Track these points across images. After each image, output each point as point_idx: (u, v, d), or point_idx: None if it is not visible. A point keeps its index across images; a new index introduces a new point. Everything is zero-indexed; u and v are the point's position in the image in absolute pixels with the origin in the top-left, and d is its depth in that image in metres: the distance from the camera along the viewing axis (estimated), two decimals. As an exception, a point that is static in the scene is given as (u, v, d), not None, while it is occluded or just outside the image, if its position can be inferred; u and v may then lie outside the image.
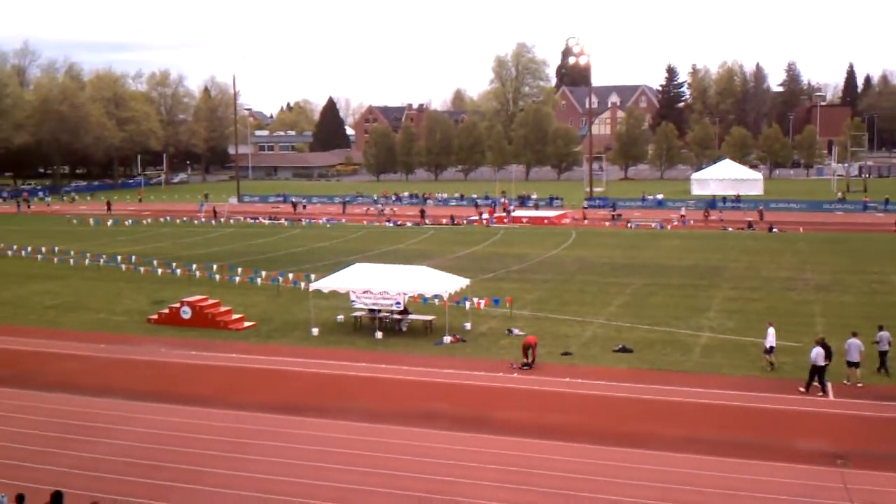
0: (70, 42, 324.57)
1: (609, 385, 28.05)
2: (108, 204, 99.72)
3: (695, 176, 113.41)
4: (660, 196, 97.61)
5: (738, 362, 30.35)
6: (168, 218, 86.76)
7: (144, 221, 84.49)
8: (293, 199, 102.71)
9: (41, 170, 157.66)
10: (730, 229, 71.68)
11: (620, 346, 32.68)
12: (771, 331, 29.39)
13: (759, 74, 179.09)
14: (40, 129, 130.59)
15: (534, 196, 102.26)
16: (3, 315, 40.49)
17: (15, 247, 61.13)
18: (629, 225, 77.27)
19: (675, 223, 77.15)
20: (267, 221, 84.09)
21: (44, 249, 59.61)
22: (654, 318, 37.47)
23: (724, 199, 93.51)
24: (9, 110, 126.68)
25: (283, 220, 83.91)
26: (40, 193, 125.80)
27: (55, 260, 56.93)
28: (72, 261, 55.82)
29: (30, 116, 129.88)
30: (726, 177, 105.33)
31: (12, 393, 27.81)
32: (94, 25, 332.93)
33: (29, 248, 59.99)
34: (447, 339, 33.92)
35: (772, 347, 29.25)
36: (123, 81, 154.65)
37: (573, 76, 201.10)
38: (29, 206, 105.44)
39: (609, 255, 58.24)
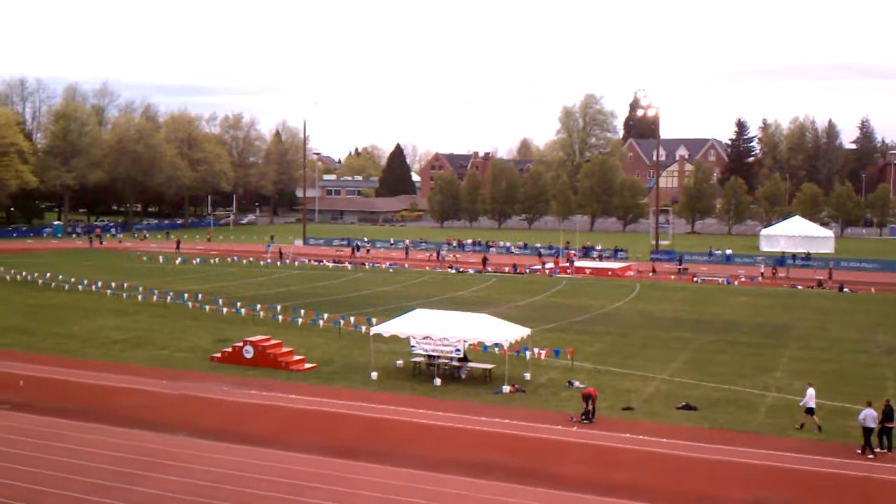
0: (147, 84, 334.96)
1: (671, 443, 27.46)
2: (178, 242, 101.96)
3: (764, 232, 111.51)
4: (728, 251, 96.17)
5: (807, 424, 29.48)
6: (235, 258, 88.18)
7: (212, 261, 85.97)
8: (357, 243, 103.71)
9: (115, 207, 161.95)
10: (799, 287, 70.17)
11: (684, 403, 32.03)
12: (811, 391, 28.91)
13: (832, 131, 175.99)
14: (116, 167, 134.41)
15: (598, 247, 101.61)
16: (73, 348, 41.39)
17: (86, 281, 62.65)
18: (695, 279, 76.15)
19: (743, 279, 75.81)
20: (331, 264, 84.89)
21: (113, 285, 61.00)
22: (719, 376, 36.69)
23: (794, 256, 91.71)
24: (87, 149, 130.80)
25: (346, 264, 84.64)
26: (112, 230, 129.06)
27: (124, 296, 58.17)
28: (140, 297, 56.96)
29: (106, 155, 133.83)
30: (796, 234, 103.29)
31: (77, 426, 28.30)
32: (170, 69, 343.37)
33: (99, 283, 61.43)
34: (506, 388, 33.66)
35: (811, 409, 28.73)
36: (197, 123, 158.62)
37: (641, 128, 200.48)
38: (101, 242, 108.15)
39: (674, 309, 57.41)
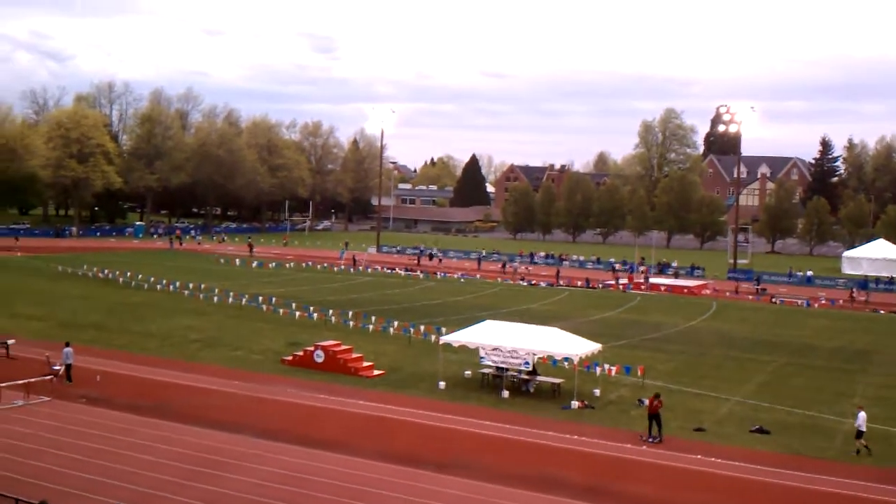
0: (231, 89, 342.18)
1: (743, 466, 26.77)
2: (251, 246, 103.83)
3: (846, 254, 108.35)
4: (809, 273, 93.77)
5: (885, 453, 28.47)
6: (310, 263, 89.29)
7: (287, 265, 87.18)
8: (430, 252, 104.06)
9: (195, 209, 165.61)
10: (881, 312, 67.97)
11: (757, 426, 31.23)
12: (862, 415, 28.47)
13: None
14: (197, 170, 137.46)
15: (674, 264, 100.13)
16: (150, 346, 42.32)
17: (164, 281, 64.10)
18: (774, 300, 74.41)
19: (823, 301, 73.76)
20: (403, 273, 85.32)
21: (191, 286, 62.27)
22: (795, 400, 35.67)
23: (877, 280, 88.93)
24: (170, 152, 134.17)
25: (418, 273, 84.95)
26: (192, 232, 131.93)
27: (201, 296, 59.31)
28: (216, 298, 58.02)
29: (188, 158, 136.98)
30: (880, 256, 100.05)
31: (150, 422, 28.87)
32: (253, 75, 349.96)
33: (177, 284, 62.79)
34: (575, 404, 33.27)
35: (861, 432, 28.31)
36: (278, 130, 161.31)
37: (722, 144, 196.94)
38: (181, 244, 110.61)
39: (750, 330, 56.15)
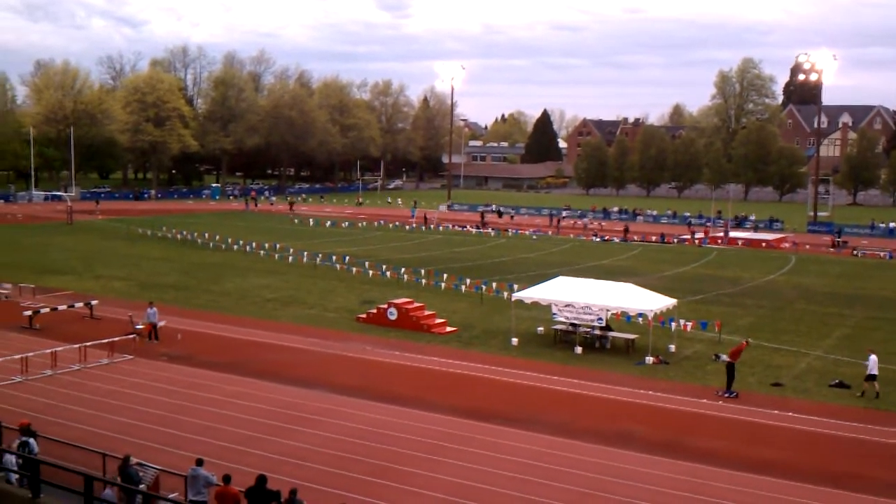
0: (302, 50, 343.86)
1: (821, 420, 26.26)
2: (291, 204, 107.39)
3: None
4: (892, 225, 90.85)
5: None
6: (382, 222, 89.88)
7: (359, 224, 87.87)
8: (499, 209, 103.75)
9: (269, 171, 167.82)
10: (971, 264, 65.63)
11: (837, 381, 30.55)
12: (873, 358, 29.00)
13: None
14: (271, 132, 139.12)
15: (752, 217, 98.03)
16: (227, 305, 43.21)
17: (241, 242, 65.25)
18: (855, 253, 72.39)
19: (908, 254, 71.52)
20: (474, 230, 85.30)
21: (266, 246, 63.28)
22: (876, 354, 34.70)
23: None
24: (243, 114, 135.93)
25: (490, 230, 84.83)
26: (266, 193, 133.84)
27: (276, 256, 60.24)
28: (291, 258, 58.85)
29: (262, 120, 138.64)
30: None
31: (229, 378, 29.56)
32: (324, 36, 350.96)
33: (253, 244, 63.87)
34: (649, 359, 32.97)
35: (873, 375, 28.84)
36: (349, 90, 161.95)
37: (801, 94, 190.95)
38: (256, 205, 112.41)
39: (831, 283, 54.79)
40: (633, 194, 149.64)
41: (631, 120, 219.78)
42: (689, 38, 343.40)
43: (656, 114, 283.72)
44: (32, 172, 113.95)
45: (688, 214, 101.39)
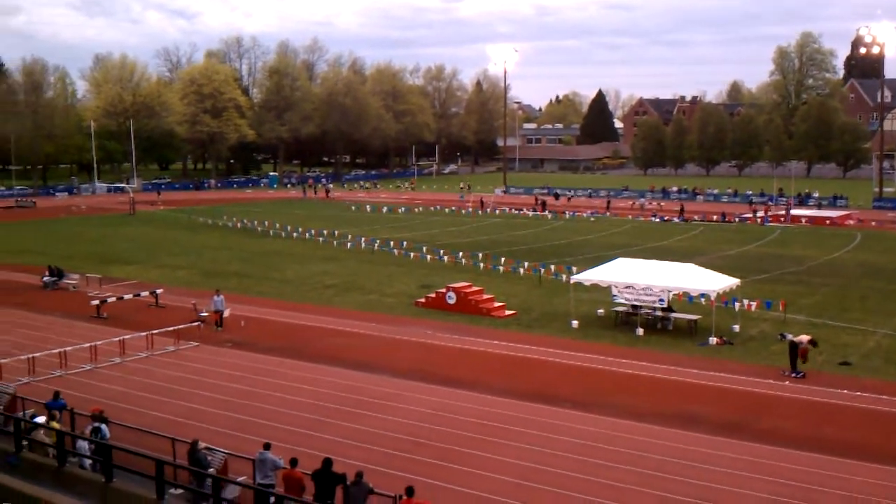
0: (354, 38, 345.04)
1: (892, 400, 25.62)
2: (327, 191, 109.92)
3: None
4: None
5: None
6: (438, 207, 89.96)
7: (416, 209, 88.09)
8: (555, 192, 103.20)
9: (325, 158, 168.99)
10: None
11: (909, 359, 29.80)
12: None
13: None
14: (325, 120, 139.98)
15: (815, 194, 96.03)
16: (287, 291, 43.67)
17: (300, 229, 65.86)
18: (923, 229, 70.53)
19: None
20: (531, 213, 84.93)
21: (325, 232, 63.78)
22: (951, 332, 33.83)
23: None
24: (298, 103, 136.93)
25: (546, 213, 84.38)
26: (323, 180, 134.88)
27: (334, 243, 60.67)
28: (349, 244, 59.22)
29: (316, 109, 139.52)
30: None
31: (292, 363, 29.89)
32: (376, 23, 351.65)
33: (312, 231, 64.43)
34: (713, 340, 32.51)
35: None
36: (401, 76, 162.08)
37: (863, 68, 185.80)
38: (315, 192, 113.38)
39: (898, 260, 53.43)
40: (692, 174, 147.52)
41: (688, 98, 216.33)
42: (745, 13, 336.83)
43: (714, 91, 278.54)
44: (95, 165, 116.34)
45: (749, 193, 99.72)
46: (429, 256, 52.66)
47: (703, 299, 35.59)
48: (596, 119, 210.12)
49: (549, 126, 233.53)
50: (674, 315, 35.15)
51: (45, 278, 44.67)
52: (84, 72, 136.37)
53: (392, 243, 56.99)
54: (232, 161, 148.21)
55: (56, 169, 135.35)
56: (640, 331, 33.98)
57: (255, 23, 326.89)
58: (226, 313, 35.57)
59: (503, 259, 49.67)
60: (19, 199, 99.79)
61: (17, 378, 26.57)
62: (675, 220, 77.93)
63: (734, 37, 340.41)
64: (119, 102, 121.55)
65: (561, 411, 24.79)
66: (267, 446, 18.40)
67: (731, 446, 22.02)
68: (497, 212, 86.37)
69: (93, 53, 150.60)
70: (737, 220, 77.81)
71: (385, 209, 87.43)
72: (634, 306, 34.96)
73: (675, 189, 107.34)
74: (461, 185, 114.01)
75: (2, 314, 38.02)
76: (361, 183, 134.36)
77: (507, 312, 37.96)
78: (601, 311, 37.45)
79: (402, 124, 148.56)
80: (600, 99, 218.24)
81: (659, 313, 34.96)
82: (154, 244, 61.62)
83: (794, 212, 79.85)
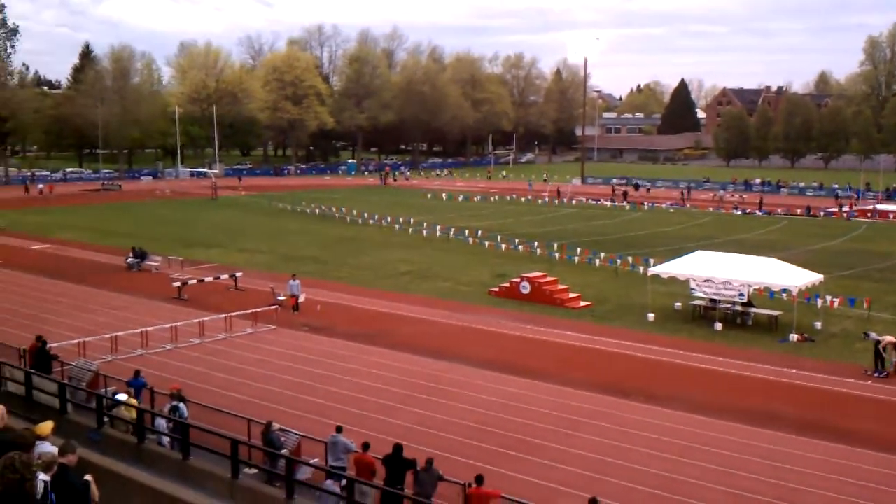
0: (434, 26, 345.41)
1: (985, 405, 24.67)
2: (406, 178, 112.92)
3: None
4: None
5: None
6: (514, 196, 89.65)
7: (492, 198, 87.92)
8: (635, 182, 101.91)
9: (402, 146, 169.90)
10: None
11: None
12: None
13: None
14: (404, 108, 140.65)
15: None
16: (364, 278, 44.06)
17: (376, 216, 66.38)
18: None
19: None
20: (609, 203, 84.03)
21: (401, 220, 64.14)
22: None
23: None
24: (377, 91, 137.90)
25: (625, 203, 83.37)
26: (401, 168, 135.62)
27: (410, 230, 60.97)
28: (425, 232, 59.43)
29: (395, 96, 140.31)
30: None
31: (367, 349, 30.15)
32: (456, 10, 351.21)
33: (389, 218, 64.87)
34: (793, 337, 31.71)
35: None
36: (480, 64, 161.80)
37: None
38: (395, 179, 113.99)
39: None
40: (777, 166, 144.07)
41: (773, 88, 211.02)
42: (834, 1, 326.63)
43: (800, 82, 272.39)
44: (178, 150, 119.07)
45: (835, 186, 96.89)
46: (504, 245, 52.53)
47: (784, 295, 34.76)
48: (678, 109, 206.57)
49: (630, 115, 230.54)
50: (753, 310, 34.40)
51: (129, 259, 45.93)
52: (169, 58, 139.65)
53: (467, 232, 57.01)
54: (311, 148, 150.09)
55: (141, 153, 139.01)
56: (719, 325, 33.34)
57: (335, 11, 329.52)
58: (301, 298, 36.05)
59: (579, 249, 49.26)
60: (106, 182, 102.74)
61: (100, 356, 27.35)
62: (758, 212, 76.22)
63: (823, 25, 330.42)
64: (203, 89, 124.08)
65: (634, 405, 24.50)
66: (339, 429, 18.61)
67: (809, 445, 21.49)
68: (574, 202, 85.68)
69: (178, 40, 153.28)
70: (822, 213, 75.80)
71: (461, 197, 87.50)
72: (713, 300, 34.33)
73: (758, 181, 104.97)
74: (544, 176, 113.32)
75: (88, 294, 39.22)
76: (438, 171, 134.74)
77: (582, 303, 37.65)
78: (678, 304, 36.86)
79: (480, 112, 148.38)
80: (683, 88, 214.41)
81: (738, 308, 34.25)
82: (235, 228, 62.83)
83: (881, 206, 77.36)
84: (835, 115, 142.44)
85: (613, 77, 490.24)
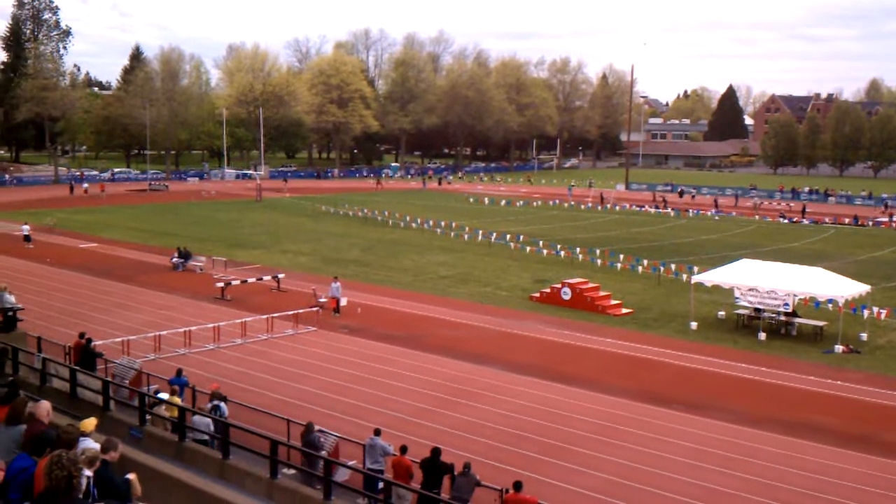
0: (480, 31, 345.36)
1: None
2: (378, 181, 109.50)
3: None
4: None
5: None
6: (556, 201, 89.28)
7: (534, 203, 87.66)
8: (680, 189, 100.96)
9: (445, 150, 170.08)
10: None
11: None
12: None
13: None
14: (448, 112, 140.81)
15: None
16: (404, 281, 44.17)
17: (418, 219, 66.51)
18: None
19: None
20: (652, 210, 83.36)
21: (442, 224, 64.18)
22: None
23: None
24: (422, 94, 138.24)
25: (669, 210, 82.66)
26: (444, 172, 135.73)
27: (451, 234, 60.99)
28: (466, 236, 59.43)
29: (440, 100, 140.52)
30: None
31: (405, 352, 30.21)
32: (502, 15, 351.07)
33: (430, 222, 64.95)
34: (839, 348, 31.20)
35: None
36: (526, 68, 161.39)
37: None
38: (440, 183, 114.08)
39: None
40: (825, 174, 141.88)
41: (823, 96, 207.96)
42: (886, 8, 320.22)
43: (851, 89, 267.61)
44: (225, 152, 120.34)
45: (885, 196, 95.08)
46: (545, 251, 52.34)
47: (830, 305, 34.20)
48: (725, 115, 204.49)
49: (676, 121, 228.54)
50: (798, 320, 33.91)
51: (173, 259, 46.52)
52: (218, 61, 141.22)
53: (508, 236, 56.90)
54: (355, 151, 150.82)
55: (188, 154, 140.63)
56: (763, 335, 32.91)
57: (381, 15, 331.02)
58: (343, 301, 36.23)
59: (621, 256, 48.94)
60: (153, 182, 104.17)
61: (144, 354, 27.74)
62: (804, 221, 75.13)
63: (874, 32, 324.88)
64: (250, 91, 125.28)
65: (675, 413, 24.27)
66: (377, 432, 18.67)
67: (853, 459, 21.12)
68: (617, 208, 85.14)
69: (226, 43, 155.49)
70: (870, 223, 74.46)
71: (503, 202, 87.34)
72: (757, 310, 33.90)
73: (805, 189, 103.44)
74: (588, 182, 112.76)
75: (134, 293, 39.79)
76: (481, 175, 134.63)
77: (624, 311, 37.38)
78: (722, 313, 36.46)
79: (524, 117, 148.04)
80: (731, 94, 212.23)
81: (783, 318, 33.79)
82: (278, 230, 63.34)
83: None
84: (885, 123, 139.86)
85: (660, 82, 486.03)
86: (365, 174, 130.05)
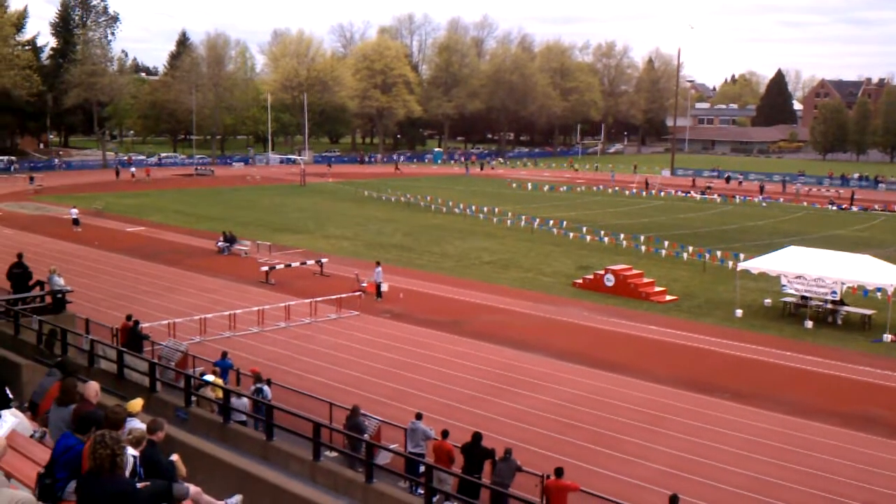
0: (524, 15, 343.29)
1: None
2: (396, 166, 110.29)
3: None
4: None
5: None
6: (600, 187, 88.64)
7: (578, 189, 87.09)
8: (728, 175, 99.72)
9: (489, 135, 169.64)
10: None
11: None
12: None
13: None
14: (492, 97, 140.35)
15: None
16: (448, 266, 44.14)
17: (461, 205, 66.40)
18: None
19: None
20: (698, 196, 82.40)
21: (485, 209, 64.03)
22: None
23: None
24: (466, 79, 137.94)
25: (715, 196, 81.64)
26: (487, 157, 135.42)
27: (494, 220, 60.81)
28: (509, 221, 59.22)
29: (483, 85, 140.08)
30: None
31: (448, 338, 30.20)
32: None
33: (473, 207, 64.82)
34: (888, 337, 30.60)
35: None
36: (570, 53, 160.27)
37: None
38: (482, 168, 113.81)
39: None
40: (875, 160, 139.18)
41: (874, 80, 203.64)
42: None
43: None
44: (269, 137, 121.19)
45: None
46: (588, 237, 51.99)
47: (878, 293, 33.52)
48: (774, 100, 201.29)
49: (723, 106, 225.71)
50: (846, 309, 33.32)
51: (219, 243, 46.96)
52: (263, 46, 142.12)
53: (552, 222, 56.60)
54: (398, 136, 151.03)
55: (233, 139, 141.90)
56: (809, 323, 32.39)
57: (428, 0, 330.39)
58: (384, 287, 36.30)
59: (666, 242, 48.42)
60: (199, 167, 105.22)
61: (189, 337, 28.05)
62: (855, 208, 73.79)
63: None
64: (294, 76, 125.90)
65: (721, 402, 23.98)
66: (419, 416, 18.69)
67: (904, 451, 20.70)
68: (662, 193, 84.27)
69: (272, 28, 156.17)
70: (923, 210, 72.96)
71: (546, 187, 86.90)
72: (804, 298, 33.36)
73: (855, 176, 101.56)
74: (633, 167, 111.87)
75: (180, 276, 40.26)
76: (524, 161, 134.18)
77: (668, 298, 37.01)
78: (768, 300, 35.95)
79: (568, 102, 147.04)
80: (780, 79, 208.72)
81: (830, 306, 33.22)
82: (322, 215, 63.65)
83: None
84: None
85: (707, 67, 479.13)
86: (392, 159, 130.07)
